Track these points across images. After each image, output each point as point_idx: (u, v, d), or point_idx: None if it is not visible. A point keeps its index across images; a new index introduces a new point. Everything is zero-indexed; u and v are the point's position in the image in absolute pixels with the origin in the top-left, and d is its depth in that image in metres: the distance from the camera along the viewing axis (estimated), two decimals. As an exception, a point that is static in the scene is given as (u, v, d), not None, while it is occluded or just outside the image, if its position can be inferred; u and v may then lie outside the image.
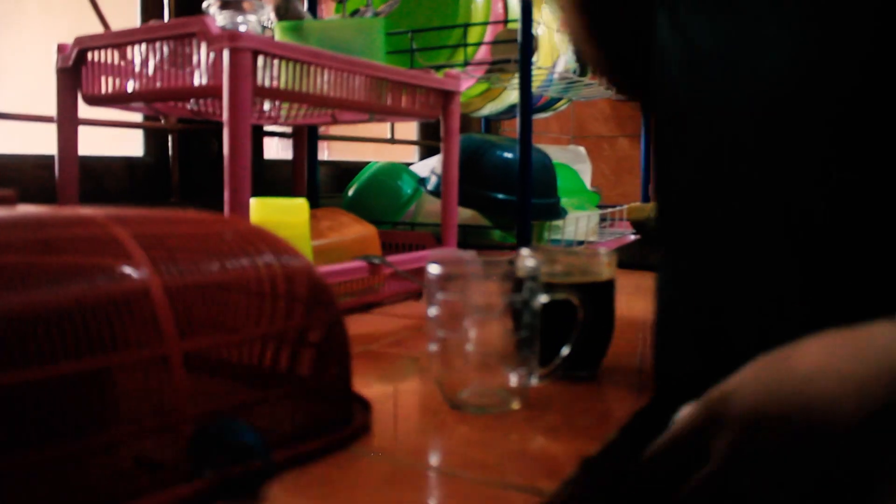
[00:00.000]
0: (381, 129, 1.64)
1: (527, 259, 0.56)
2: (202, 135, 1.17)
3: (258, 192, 1.02)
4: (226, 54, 0.71)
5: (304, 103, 0.81)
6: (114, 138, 1.15)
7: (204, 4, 0.84)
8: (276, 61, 0.76)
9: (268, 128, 1.28)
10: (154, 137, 1.15)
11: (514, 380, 0.54)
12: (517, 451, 0.46)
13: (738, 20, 0.51)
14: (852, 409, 0.34)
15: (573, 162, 1.51)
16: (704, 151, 0.53)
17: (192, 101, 0.89)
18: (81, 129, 1.07)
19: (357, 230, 0.98)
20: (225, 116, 0.72)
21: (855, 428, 0.34)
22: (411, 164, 1.61)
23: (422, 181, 1.22)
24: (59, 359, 0.34)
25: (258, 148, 1.26)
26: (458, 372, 0.53)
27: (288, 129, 1.24)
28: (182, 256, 0.42)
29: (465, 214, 1.26)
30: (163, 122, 1.12)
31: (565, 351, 0.55)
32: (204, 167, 1.17)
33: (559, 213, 1.21)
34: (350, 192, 1.28)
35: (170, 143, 1.15)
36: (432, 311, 0.53)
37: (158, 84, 0.79)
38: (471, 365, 0.53)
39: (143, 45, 0.79)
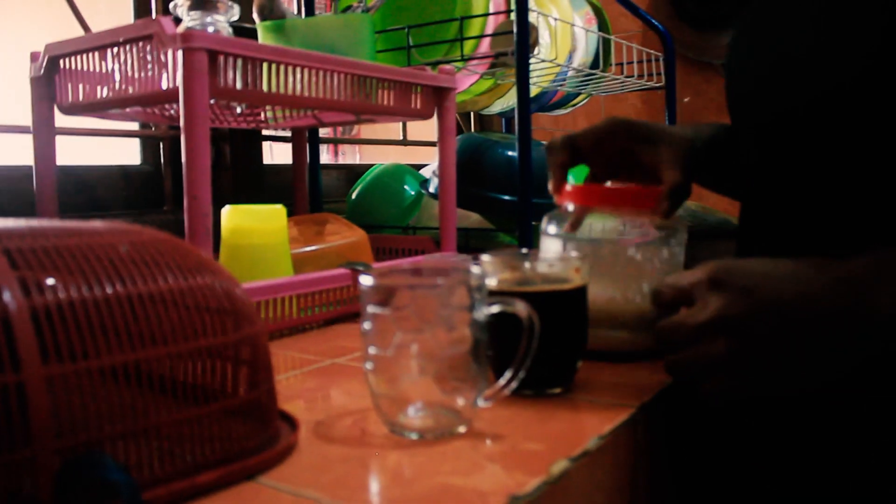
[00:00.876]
0: (397, 130, 1.60)
1: (474, 266, 0.51)
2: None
3: (259, 198, 1.00)
4: (179, 55, 0.68)
5: (273, 105, 0.77)
6: (114, 147, 1.14)
7: (171, 5, 0.81)
8: (238, 61, 0.72)
9: (266, 132, 1.26)
10: (151, 145, 1.14)
11: (460, 401, 0.49)
12: (442, 487, 0.41)
13: None
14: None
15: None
16: None
17: (167, 106, 0.86)
18: (76, 139, 1.06)
19: (346, 235, 0.94)
20: (182, 120, 0.68)
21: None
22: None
23: (424, 183, 1.17)
24: None
25: (257, 153, 1.23)
26: (395, 393, 0.49)
27: (287, 133, 1.21)
28: (61, 271, 0.38)
29: (474, 218, 1.21)
30: (153, 129, 1.10)
31: (508, 373, 0.50)
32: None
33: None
34: (353, 196, 1.25)
35: (161, 151, 1.13)
36: (365, 327, 0.49)
37: (127, 89, 0.76)
38: (409, 385, 0.48)
39: (109, 50, 0.76)
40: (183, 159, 0.69)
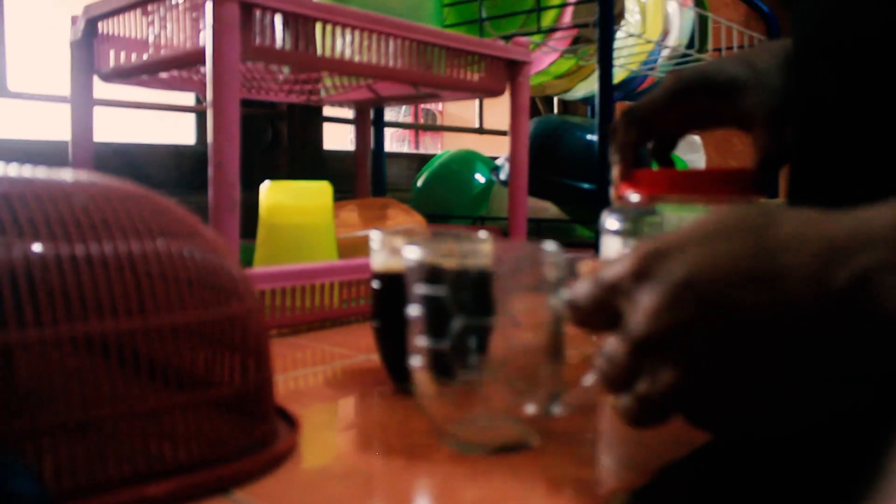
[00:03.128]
0: (472, 118, 1.50)
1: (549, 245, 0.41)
2: (256, 120, 1.09)
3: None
4: (208, 7, 0.60)
5: (318, 69, 0.69)
6: (169, 126, 1.09)
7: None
8: (276, 17, 0.65)
9: (327, 112, 1.18)
10: (201, 124, 1.08)
11: (530, 408, 0.38)
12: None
13: None
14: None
15: (684, 153, 1.31)
16: None
17: (202, 70, 0.80)
18: (133, 115, 1.01)
19: (401, 221, 0.85)
20: (210, 78, 0.61)
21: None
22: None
23: (495, 171, 1.08)
24: None
25: (317, 135, 1.15)
26: (450, 396, 0.38)
27: (350, 115, 1.13)
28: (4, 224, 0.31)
29: (552, 211, 1.10)
30: (202, 103, 1.04)
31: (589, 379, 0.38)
32: (256, 155, 1.08)
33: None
34: (419, 183, 1.16)
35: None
36: (412, 312, 0.38)
37: (161, 51, 0.70)
38: (468, 386, 0.37)
39: (147, 8, 0.70)
40: (209, 124, 0.61)
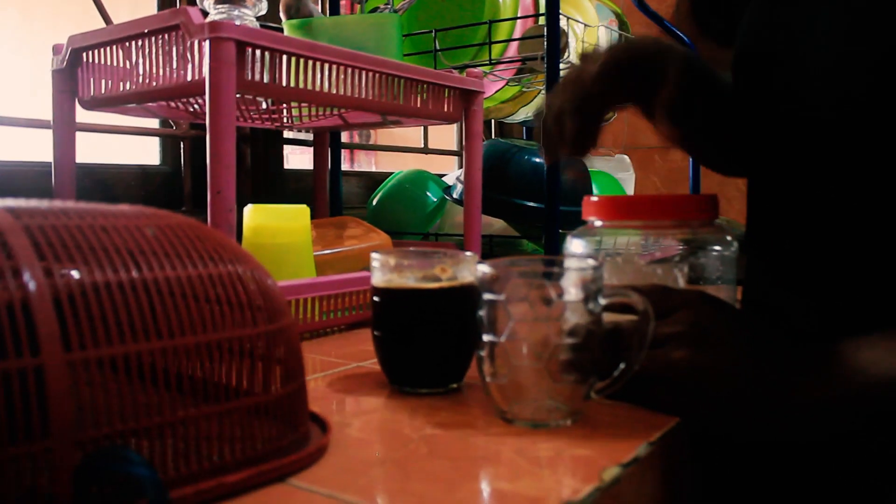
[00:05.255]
0: (416, 138, 1.57)
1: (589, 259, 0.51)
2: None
3: (279, 202, 0.97)
4: (207, 45, 0.66)
5: (300, 101, 0.75)
6: (133, 146, 1.12)
7: (198, -2, 0.79)
8: (266, 54, 0.70)
9: (287, 135, 1.23)
10: (171, 145, 1.12)
11: (571, 393, 0.49)
12: (490, 494, 0.38)
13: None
14: None
15: (615, 171, 1.41)
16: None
17: (191, 103, 0.84)
18: (96, 137, 1.04)
19: (370, 239, 0.92)
20: (207, 112, 0.66)
21: None
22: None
23: (447, 190, 1.15)
24: None
25: (278, 156, 1.21)
26: (507, 381, 0.48)
27: (309, 137, 1.19)
28: (84, 252, 0.36)
29: (498, 225, 1.18)
30: (174, 128, 1.08)
31: (622, 366, 0.49)
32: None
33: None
34: (374, 202, 1.22)
35: (182, 151, 1.11)
36: (480, 314, 0.49)
37: (151, 83, 0.74)
38: (521, 373, 0.48)
39: (133, 42, 0.74)
40: (207, 154, 0.67)
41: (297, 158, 1.43)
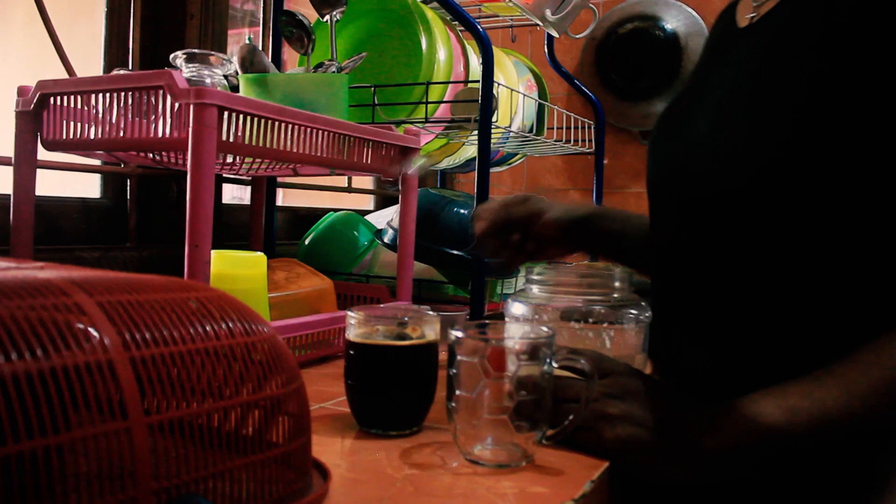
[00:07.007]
0: (341, 178, 1.65)
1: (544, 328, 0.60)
2: (162, 179, 1.17)
3: (216, 236, 1.02)
4: (192, 109, 0.71)
5: (268, 158, 0.81)
6: (68, 179, 1.14)
7: (171, 57, 0.84)
8: (240, 117, 0.76)
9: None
10: (112, 180, 1.14)
11: (525, 439, 0.58)
12: (473, 526, 0.47)
13: None
14: None
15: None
16: None
17: (163, 153, 0.89)
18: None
19: (314, 283, 0.98)
20: (189, 171, 0.72)
21: None
22: (367, 210, 1.62)
23: (378, 233, 1.23)
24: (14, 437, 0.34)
25: (217, 193, 1.25)
26: (474, 429, 0.57)
27: (247, 176, 1.24)
28: (148, 325, 0.42)
29: (419, 267, 1.27)
30: (122, 165, 1.11)
31: (571, 417, 0.60)
32: (162, 212, 1.16)
33: (513, 271, 1.23)
34: (307, 241, 1.29)
35: (128, 187, 1.14)
36: (453, 372, 0.57)
37: (121, 134, 0.78)
38: (486, 423, 0.57)
39: (108, 95, 0.79)
40: (188, 210, 0.72)
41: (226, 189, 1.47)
